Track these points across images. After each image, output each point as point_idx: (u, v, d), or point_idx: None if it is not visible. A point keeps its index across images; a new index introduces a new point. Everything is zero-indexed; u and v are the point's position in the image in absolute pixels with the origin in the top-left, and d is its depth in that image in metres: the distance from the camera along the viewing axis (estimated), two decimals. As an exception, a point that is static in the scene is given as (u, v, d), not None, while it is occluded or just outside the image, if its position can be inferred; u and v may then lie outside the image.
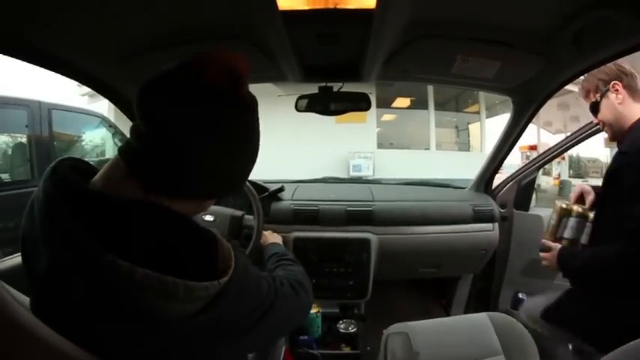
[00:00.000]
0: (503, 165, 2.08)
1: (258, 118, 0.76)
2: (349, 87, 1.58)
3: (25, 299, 0.59)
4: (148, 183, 0.63)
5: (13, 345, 0.50)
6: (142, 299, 0.56)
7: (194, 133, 0.62)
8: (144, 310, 0.56)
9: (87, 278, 0.55)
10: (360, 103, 1.61)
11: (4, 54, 0.97)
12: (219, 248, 0.65)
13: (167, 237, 0.60)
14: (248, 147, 0.74)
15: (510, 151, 1.94)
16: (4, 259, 1.17)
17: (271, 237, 1.52)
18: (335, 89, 1.57)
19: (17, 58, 1.01)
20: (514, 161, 5.49)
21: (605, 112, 1.36)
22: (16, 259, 1.18)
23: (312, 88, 1.59)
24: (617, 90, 1.31)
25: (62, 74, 1.19)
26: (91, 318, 0.57)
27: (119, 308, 0.56)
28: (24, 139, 4.10)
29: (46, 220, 0.59)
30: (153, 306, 0.56)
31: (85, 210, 0.58)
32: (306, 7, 0.99)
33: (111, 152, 5.47)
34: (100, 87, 1.37)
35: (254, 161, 0.77)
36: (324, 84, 1.56)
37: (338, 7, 0.99)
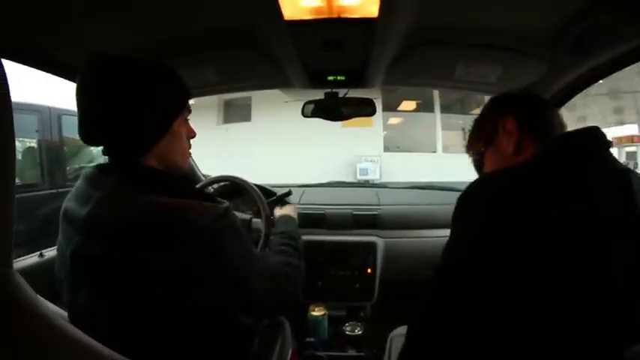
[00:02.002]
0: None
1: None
2: (355, 92, 1.60)
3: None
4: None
5: (36, 335, 0.53)
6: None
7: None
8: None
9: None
10: (365, 109, 1.63)
11: (15, 61, 1.00)
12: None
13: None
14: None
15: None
16: (17, 259, 1.20)
17: (287, 209, 1.50)
18: (341, 94, 1.59)
19: (28, 65, 1.05)
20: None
21: None
22: (29, 259, 1.22)
23: (319, 94, 1.62)
24: None
25: (73, 81, 1.23)
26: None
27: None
28: (34, 144, 4.18)
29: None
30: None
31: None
32: (310, 17, 1.01)
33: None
34: None
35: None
36: (329, 90, 1.58)
37: (342, 16, 1.02)
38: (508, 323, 0.64)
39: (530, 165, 0.75)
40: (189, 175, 2.08)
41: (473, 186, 0.75)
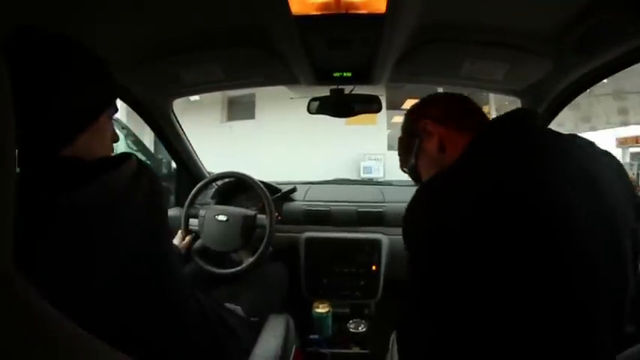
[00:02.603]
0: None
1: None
2: (360, 89, 1.60)
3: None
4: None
5: (36, 334, 0.53)
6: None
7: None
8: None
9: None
10: (371, 105, 1.63)
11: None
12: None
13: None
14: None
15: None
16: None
17: None
18: (346, 91, 1.59)
19: None
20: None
21: None
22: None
23: (324, 91, 1.62)
24: None
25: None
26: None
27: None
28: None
29: None
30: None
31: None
32: (318, 14, 1.01)
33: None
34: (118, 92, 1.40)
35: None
36: (335, 87, 1.58)
37: (349, 12, 1.02)
38: (477, 318, 0.64)
39: (458, 162, 0.75)
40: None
41: (411, 201, 0.77)
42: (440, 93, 1.03)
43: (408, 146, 0.98)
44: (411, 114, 1.00)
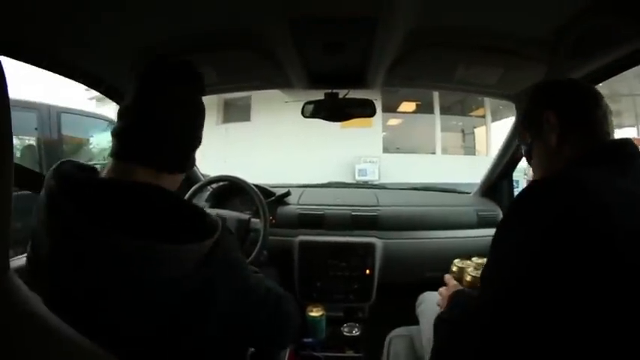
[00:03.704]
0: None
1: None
2: (355, 93, 1.61)
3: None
4: (139, 159, 0.72)
5: (32, 336, 0.53)
6: (138, 268, 0.60)
7: (174, 112, 0.75)
8: (138, 278, 0.61)
9: (89, 258, 0.61)
10: (365, 109, 1.63)
11: (17, 59, 1.00)
12: (207, 217, 0.71)
13: (160, 210, 0.66)
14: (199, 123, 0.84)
15: (516, 156, 1.94)
16: (14, 257, 1.19)
17: None
18: (341, 95, 1.59)
19: (30, 63, 1.05)
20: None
21: None
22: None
23: (319, 95, 1.62)
24: None
25: (75, 80, 1.23)
26: (93, 294, 0.62)
27: (119, 280, 0.61)
28: (33, 142, 4.19)
29: (48, 209, 0.65)
30: (146, 272, 0.61)
31: (80, 195, 0.64)
32: (312, 18, 1.01)
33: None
34: (113, 93, 1.40)
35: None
36: (329, 90, 1.58)
37: (343, 16, 1.02)
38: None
39: (566, 170, 0.76)
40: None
41: (524, 192, 0.74)
42: (574, 83, 0.95)
43: (528, 124, 0.95)
44: (539, 94, 0.94)
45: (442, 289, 1.18)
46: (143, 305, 0.61)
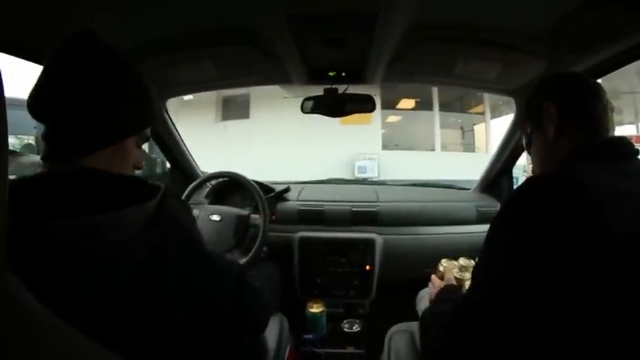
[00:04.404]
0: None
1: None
2: (354, 89, 1.60)
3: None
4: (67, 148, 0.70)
5: (31, 336, 0.53)
6: (84, 245, 0.59)
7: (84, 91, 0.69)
8: (88, 255, 0.59)
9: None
10: (364, 105, 1.63)
11: (16, 56, 1.01)
12: (146, 183, 0.69)
13: (94, 186, 0.65)
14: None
15: (516, 152, 1.94)
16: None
17: None
18: (340, 91, 1.59)
19: (29, 60, 1.04)
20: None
21: None
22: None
23: (318, 90, 1.62)
24: None
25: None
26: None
27: (70, 263, 0.59)
28: (31, 141, 4.17)
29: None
30: (93, 246, 0.59)
31: (19, 196, 0.61)
32: (310, 13, 1.01)
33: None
34: None
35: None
36: (329, 86, 1.58)
37: (341, 11, 1.01)
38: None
39: (561, 166, 0.76)
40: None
41: (522, 188, 0.73)
42: (576, 76, 0.93)
43: (529, 114, 0.95)
44: (542, 85, 0.94)
45: (430, 290, 1.18)
46: (102, 280, 0.60)
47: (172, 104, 1.76)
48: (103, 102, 0.70)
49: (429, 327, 0.92)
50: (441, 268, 1.21)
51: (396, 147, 10.85)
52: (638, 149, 0.78)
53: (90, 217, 0.59)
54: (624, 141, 0.79)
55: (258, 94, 10.09)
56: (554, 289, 0.61)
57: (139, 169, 0.85)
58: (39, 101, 0.70)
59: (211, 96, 10.24)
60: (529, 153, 0.99)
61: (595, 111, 0.83)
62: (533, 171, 0.99)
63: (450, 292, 1.06)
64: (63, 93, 0.68)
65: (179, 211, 0.71)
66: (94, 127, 0.70)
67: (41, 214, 0.59)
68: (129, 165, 0.81)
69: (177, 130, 1.91)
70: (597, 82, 0.89)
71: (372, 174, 9.72)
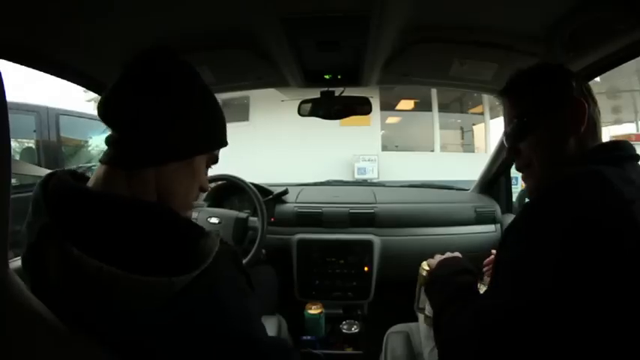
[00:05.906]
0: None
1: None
2: (351, 91, 1.61)
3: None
4: (128, 160, 0.66)
5: (31, 335, 0.53)
6: (107, 294, 0.54)
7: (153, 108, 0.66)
8: (110, 305, 0.55)
9: (57, 270, 0.57)
10: (361, 107, 1.64)
11: (13, 61, 1.00)
12: (201, 244, 0.62)
13: (136, 231, 0.58)
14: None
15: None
16: (14, 259, 1.20)
17: None
18: (337, 93, 1.60)
19: (26, 65, 1.04)
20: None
21: None
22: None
23: (315, 93, 1.62)
24: None
25: (71, 81, 1.22)
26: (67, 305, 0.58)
27: (88, 303, 0.56)
28: (31, 144, 4.20)
29: (32, 213, 0.64)
30: (119, 301, 0.54)
31: (58, 204, 0.60)
32: (305, 16, 1.02)
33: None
34: None
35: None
36: (325, 89, 1.59)
37: (336, 13, 1.02)
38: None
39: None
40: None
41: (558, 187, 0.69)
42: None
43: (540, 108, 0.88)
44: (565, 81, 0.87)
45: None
46: (113, 326, 0.56)
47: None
48: (176, 115, 0.68)
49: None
50: (423, 273, 1.14)
51: (396, 148, 10.84)
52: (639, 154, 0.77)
53: (115, 266, 0.53)
54: (625, 144, 0.79)
55: (258, 96, 10.09)
56: (589, 296, 0.59)
57: (204, 191, 0.82)
58: (110, 107, 0.67)
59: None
60: (515, 143, 0.89)
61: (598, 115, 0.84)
62: (536, 167, 0.86)
63: (449, 261, 1.07)
64: (134, 101, 0.66)
65: (222, 281, 0.63)
66: (163, 138, 0.67)
67: (73, 233, 0.56)
68: (195, 186, 0.76)
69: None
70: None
71: (371, 175, 9.71)
